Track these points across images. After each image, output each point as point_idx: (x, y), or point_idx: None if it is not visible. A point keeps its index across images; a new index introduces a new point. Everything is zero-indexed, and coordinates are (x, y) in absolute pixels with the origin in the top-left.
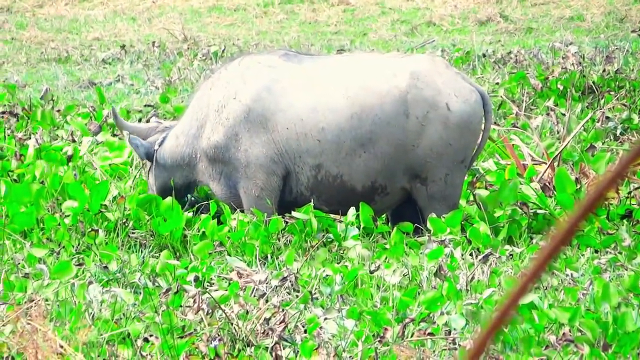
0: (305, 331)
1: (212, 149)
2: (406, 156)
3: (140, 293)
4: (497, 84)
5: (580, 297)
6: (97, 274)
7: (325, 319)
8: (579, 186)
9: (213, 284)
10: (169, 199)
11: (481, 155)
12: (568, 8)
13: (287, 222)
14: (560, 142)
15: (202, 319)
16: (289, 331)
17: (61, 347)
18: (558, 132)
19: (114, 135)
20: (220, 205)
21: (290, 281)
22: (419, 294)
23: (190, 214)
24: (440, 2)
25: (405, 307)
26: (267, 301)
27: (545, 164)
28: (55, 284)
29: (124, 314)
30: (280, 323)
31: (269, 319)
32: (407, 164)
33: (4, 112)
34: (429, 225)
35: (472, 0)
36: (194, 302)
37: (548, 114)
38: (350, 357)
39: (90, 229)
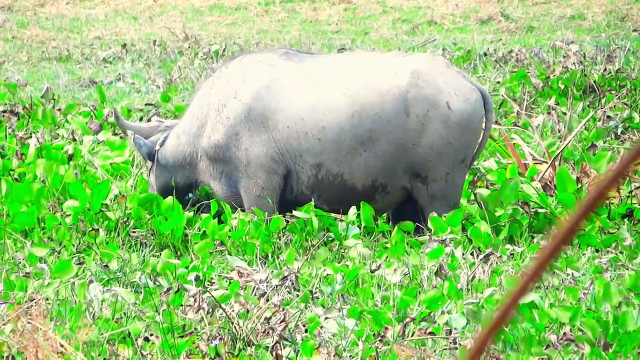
0: (305, 330)
1: (212, 148)
2: (407, 155)
3: (141, 292)
4: (498, 83)
5: (581, 296)
6: (98, 273)
7: (326, 318)
8: (580, 185)
9: (214, 283)
10: (169, 199)
11: (482, 155)
12: (569, 7)
13: (287, 221)
14: (561, 141)
15: (202, 318)
16: (289, 330)
17: (61, 346)
18: (559, 131)
19: (115, 134)
20: (221, 204)
21: (290, 280)
22: (419, 293)
23: (191, 213)
24: (441, 1)
25: (406, 306)
26: (267, 300)
27: (546, 163)
28: (55, 283)
29: (124, 313)
30: (281, 322)
31: (270, 318)
32: (407, 162)
33: (5, 111)
34: (429, 224)
35: None
36: (195, 301)
37: (549, 113)
38: (350, 356)
39: (91, 228)
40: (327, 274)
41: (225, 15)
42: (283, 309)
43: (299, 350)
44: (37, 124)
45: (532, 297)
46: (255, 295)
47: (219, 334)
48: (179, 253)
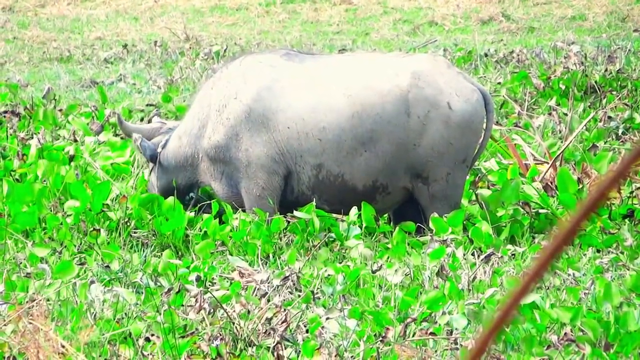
0: (307, 331)
1: (213, 148)
2: (407, 155)
3: (142, 292)
4: (499, 83)
5: (582, 296)
6: (99, 273)
7: (327, 318)
8: (581, 186)
9: (215, 283)
10: (170, 199)
11: (483, 155)
12: (570, 7)
13: (288, 222)
14: (562, 142)
15: (203, 318)
16: (290, 331)
17: (63, 346)
18: (560, 132)
19: (116, 135)
20: (222, 204)
21: (292, 281)
22: (420, 293)
23: (192, 214)
24: (442, 1)
25: (407, 306)
26: (268, 301)
27: (547, 163)
28: (57, 284)
29: (125, 314)
30: (282, 323)
31: (271, 318)
32: (408, 163)
33: (6, 112)
34: (431, 224)
35: None
36: (196, 301)
37: (550, 114)
38: (351, 356)
39: (92, 229)
40: (329, 275)
41: (226, 16)
42: (284, 310)
43: (300, 351)
44: (38, 125)
45: (533, 298)
46: (256, 295)
47: (220, 335)
48: (180, 253)
